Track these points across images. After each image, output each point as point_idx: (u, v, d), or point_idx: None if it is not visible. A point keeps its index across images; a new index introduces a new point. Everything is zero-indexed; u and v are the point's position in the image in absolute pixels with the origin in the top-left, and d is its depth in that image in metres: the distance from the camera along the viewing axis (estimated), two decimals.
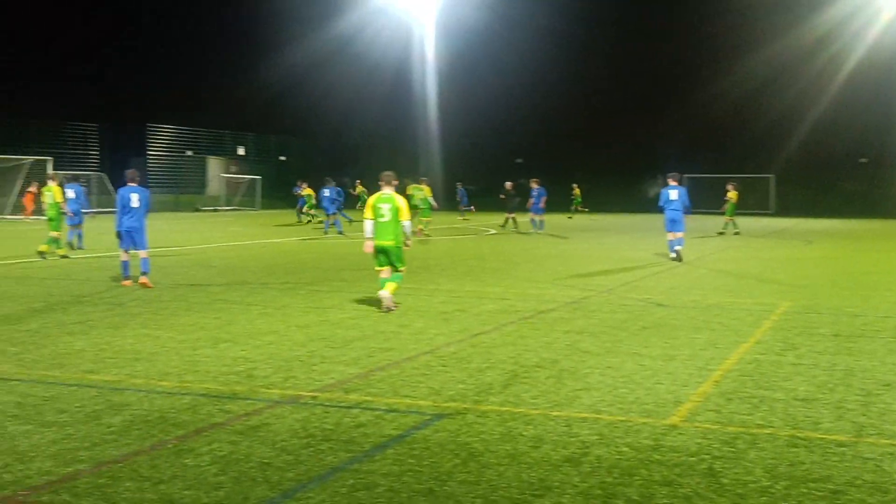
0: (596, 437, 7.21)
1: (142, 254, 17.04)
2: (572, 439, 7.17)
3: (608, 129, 73.52)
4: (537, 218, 37.11)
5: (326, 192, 36.27)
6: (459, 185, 53.80)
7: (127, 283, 16.96)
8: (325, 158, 79.89)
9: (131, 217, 16.98)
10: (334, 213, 36.31)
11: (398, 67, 69.80)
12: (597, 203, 63.18)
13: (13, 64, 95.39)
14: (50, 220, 22.96)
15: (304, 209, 44.46)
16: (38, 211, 40.44)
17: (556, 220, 46.85)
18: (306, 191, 44.37)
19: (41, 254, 22.28)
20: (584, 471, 6.43)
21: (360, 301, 14.99)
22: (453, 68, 70.24)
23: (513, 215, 39.46)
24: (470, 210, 52.41)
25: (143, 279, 16.73)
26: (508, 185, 40.20)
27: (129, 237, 17.02)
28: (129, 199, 16.98)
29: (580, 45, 76.57)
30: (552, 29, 75.55)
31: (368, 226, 13.83)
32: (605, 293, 16.47)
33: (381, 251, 13.79)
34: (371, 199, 14.03)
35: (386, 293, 13.64)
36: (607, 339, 11.57)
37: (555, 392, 8.70)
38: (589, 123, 74.32)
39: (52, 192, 23.89)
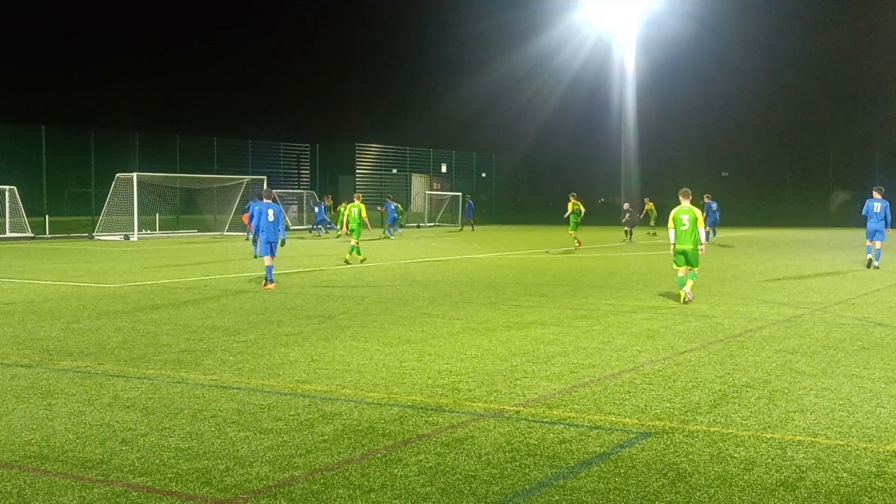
0: (812, 462, 6.89)
1: (268, 260, 19.62)
2: (786, 462, 6.87)
3: (815, 138, 70.29)
4: (708, 230, 39.18)
5: (316, 210, 48.41)
6: (468, 199, 58.34)
7: (271, 286, 19.25)
8: (525, 174, 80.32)
9: (271, 230, 19.65)
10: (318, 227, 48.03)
11: (595, 82, 69.39)
12: (809, 216, 60.41)
13: (236, 92, 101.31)
14: (351, 231, 27.06)
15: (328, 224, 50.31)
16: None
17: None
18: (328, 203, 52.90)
19: (347, 262, 26.22)
20: (800, 496, 6.15)
21: (561, 316, 14.95)
22: (653, 81, 69.17)
23: (631, 229, 43.17)
24: (470, 223, 56.08)
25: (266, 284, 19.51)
26: (626, 205, 44.85)
27: (271, 245, 19.63)
28: (266, 214, 19.71)
29: (784, 53, 73.84)
30: (756, 38, 73.20)
31: (671, 234, 17.17)
32: (818, 311, 15.73)
33: (681, 253, 17.02)
34: (673, 212, 17.30)
35: (687, 288, 16.83)
36: (822, 360, 11.04)
37: (766, 413, 8.37)
38: (795, 133, 71.37)
39: (359, 209, 28.14)
